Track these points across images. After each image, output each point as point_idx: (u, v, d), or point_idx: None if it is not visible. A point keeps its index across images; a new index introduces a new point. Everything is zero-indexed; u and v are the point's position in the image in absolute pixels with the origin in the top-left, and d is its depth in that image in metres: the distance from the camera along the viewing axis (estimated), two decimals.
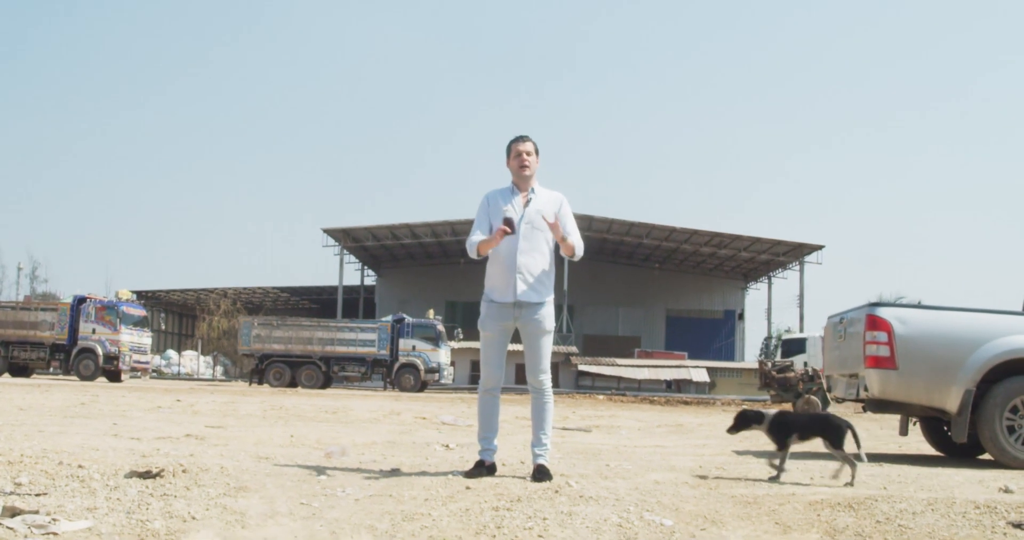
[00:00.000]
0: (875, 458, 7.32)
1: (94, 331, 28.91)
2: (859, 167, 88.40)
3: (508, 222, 4.94)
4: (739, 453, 7.65)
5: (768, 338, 50.23)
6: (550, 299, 5.11)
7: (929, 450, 8.21)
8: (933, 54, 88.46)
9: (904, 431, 8.17)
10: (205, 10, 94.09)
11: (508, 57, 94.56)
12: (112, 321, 29.04)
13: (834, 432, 5.31)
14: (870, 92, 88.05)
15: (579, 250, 5.10)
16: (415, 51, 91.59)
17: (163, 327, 57.38)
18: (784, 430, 5.38)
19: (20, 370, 29.76)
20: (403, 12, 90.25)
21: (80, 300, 29.77)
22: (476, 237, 5.07)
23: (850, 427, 5.35)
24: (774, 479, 5.29)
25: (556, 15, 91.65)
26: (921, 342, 6.90)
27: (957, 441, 6.88)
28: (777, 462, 5.41)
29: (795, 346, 30.69)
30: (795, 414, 5.78)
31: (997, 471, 6.27)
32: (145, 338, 30.92)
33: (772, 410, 5.64)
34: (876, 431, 11.88)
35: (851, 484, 5.15)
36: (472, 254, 5.11)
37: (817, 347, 29.66)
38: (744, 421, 5.51)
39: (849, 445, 5.32)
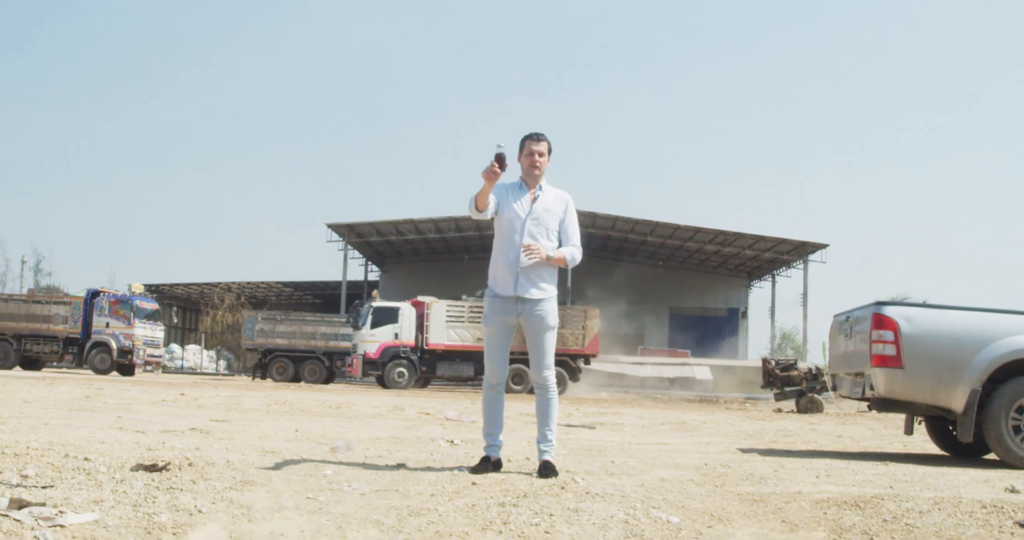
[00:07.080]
0: (881, 457, 7.32)
1: (108, 325, 28.93)
2: (865, 166, 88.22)
3: (499, 158, 4.76)
4: (744, 451, 7.64)
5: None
6: (553, 295, 5.12)
7: (934, 449, 8.20)
8: (942, 55, 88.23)
9: (909, 430, 8.16)
10: (211, 6, 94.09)
11: (513, 54, 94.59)
12: (126, 315, 29.05)
13: None
14: (878, 92, 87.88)
15: (573, 260, 5.12)
16: (420, 48, 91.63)
17: (175, 321, 57.45)
18: None
19: (32, 363, 29.81)
20: (409, 10, 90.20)
21: (94, 294, 29.78)
22: (474, 193, 4.94)
23: None
24: None
25: (562, 13, 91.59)
26: (927, 341, 6.88)
27: (962, 441, 6.86)
28: None
29: (385, 316, 27.48)
30: None
31: (1003, 471, 6.26)
32: (158, 332, 30.92)
33: None
34: (881, 430, 11.87)
35: None
36: (471, 209, 4.99)
37: (408, 318, 27.04)
38: None
39: None
